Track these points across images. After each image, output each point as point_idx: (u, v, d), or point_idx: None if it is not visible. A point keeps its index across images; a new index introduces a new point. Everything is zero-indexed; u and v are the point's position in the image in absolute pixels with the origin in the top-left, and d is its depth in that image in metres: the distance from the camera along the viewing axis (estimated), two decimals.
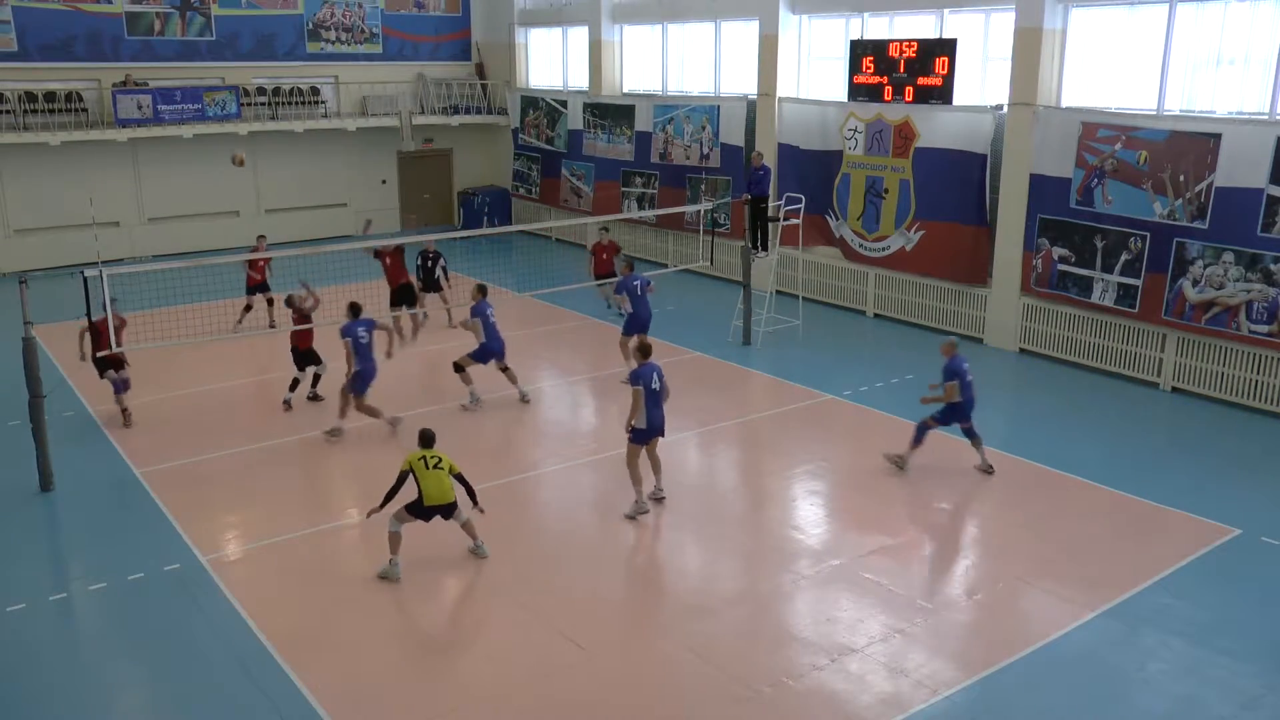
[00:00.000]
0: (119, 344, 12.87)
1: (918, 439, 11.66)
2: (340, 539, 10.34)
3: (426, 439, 9.45)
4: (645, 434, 10.53)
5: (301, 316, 13.61)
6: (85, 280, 11.53)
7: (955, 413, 11.46)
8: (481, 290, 13.87)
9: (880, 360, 15.97)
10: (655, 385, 10.41)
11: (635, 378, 10.38)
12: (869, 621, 8.74)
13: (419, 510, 9.39)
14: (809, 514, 10.91)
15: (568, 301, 18.68)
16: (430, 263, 17.42)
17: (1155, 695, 7.80)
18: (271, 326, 16.85)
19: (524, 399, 13.94)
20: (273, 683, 7.90)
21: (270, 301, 17.28)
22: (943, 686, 7.83)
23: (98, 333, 12.31)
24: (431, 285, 17.42)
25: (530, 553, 10.00)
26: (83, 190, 21.85)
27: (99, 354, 12.50)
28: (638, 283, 14.76)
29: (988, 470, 11.67)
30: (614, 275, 17.84)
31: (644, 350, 10.73)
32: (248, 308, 16.98)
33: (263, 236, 17.54)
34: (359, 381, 12.56)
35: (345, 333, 12.50)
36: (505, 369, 13.82)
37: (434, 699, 7.73)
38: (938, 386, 11.47)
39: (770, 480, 11.98)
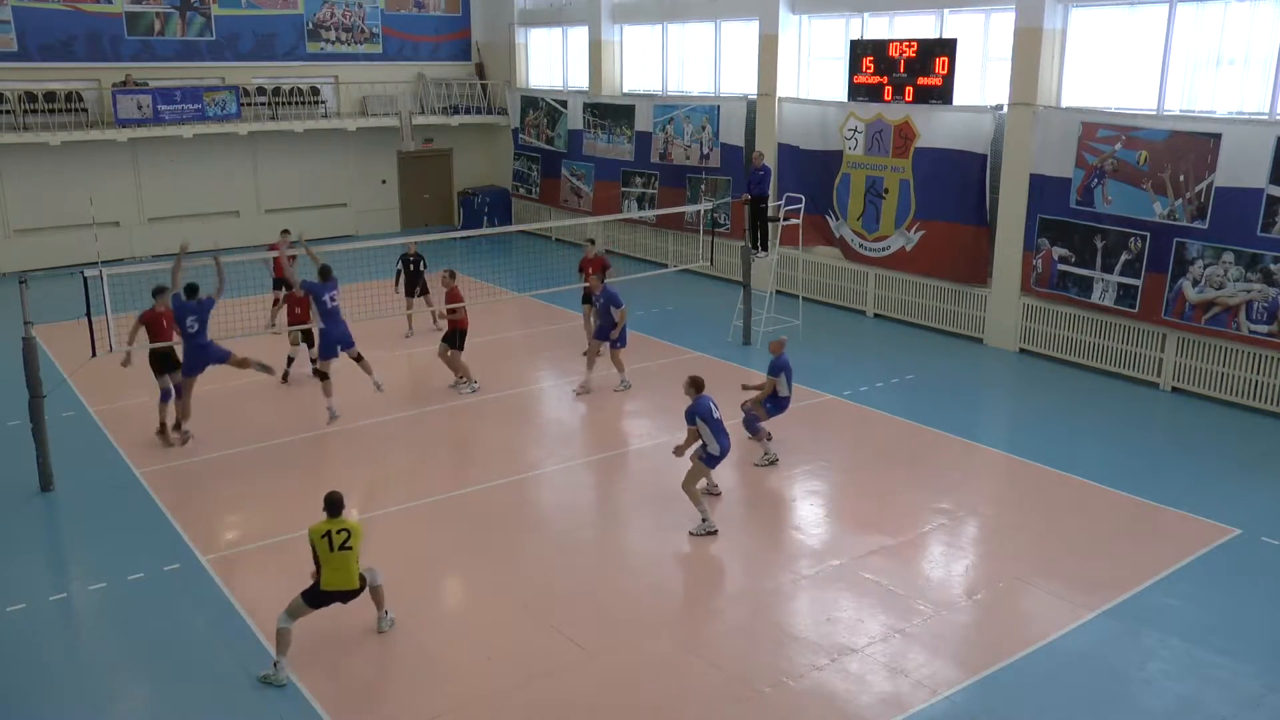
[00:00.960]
0: (170, 335, 12.32)
1: (753, 430, 12.14)
2: None
3: (333, 505, 7.97)
4: (718, 459, 10.43)
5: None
6: (85, 280, 11.53)
7: (780, 405, 12.11)
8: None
9: (880, 360, 15.97)
10: (717, 414, 10.31)
11: (692, 415, 10.26)
12: (869, 621, 8.74)
13: (314, 597, 7.95)
14: (809, 514, 10.92)
15: (568, 301, 18.66)
16: (413, 265, 17.04)
17: (1155, 695, 7.80)
18: (272, 326, 16.76)
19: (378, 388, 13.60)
20: (273, 685, 7.89)
21: (281, 299, 17.20)
22: (943, 686, 7.83)
23: (155, 326, 12.18)
24: (415, 289, 17.09)
25: (530, 553, 9.99)
26: (83, 190, 21.86)
27: (155, 345, 12.22)
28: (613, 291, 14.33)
29: (772, 463, 12.10)
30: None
31: (697, 385, 10.39)
32: (276, 302, 16.74)
33: (286, 231, 16.99)
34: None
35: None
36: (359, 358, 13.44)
37: (434, 699, 7.73)
38: (755, 389, 12.16)
39: (770, 480, 11.97)
